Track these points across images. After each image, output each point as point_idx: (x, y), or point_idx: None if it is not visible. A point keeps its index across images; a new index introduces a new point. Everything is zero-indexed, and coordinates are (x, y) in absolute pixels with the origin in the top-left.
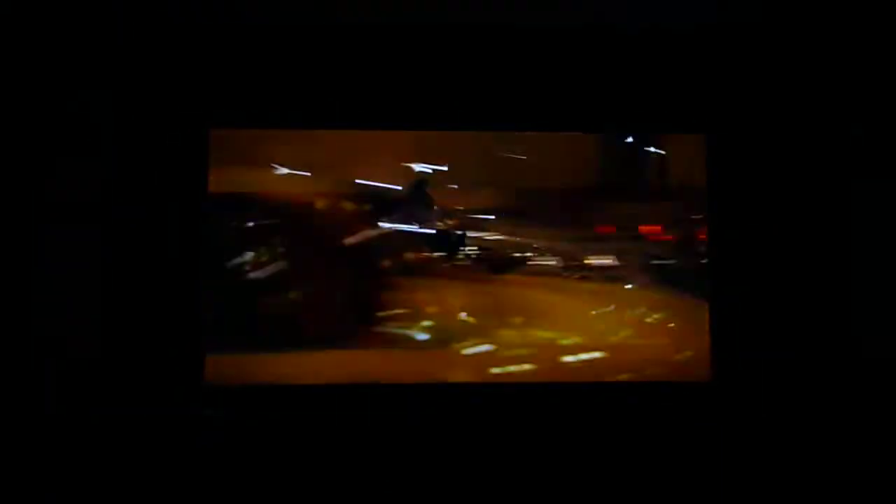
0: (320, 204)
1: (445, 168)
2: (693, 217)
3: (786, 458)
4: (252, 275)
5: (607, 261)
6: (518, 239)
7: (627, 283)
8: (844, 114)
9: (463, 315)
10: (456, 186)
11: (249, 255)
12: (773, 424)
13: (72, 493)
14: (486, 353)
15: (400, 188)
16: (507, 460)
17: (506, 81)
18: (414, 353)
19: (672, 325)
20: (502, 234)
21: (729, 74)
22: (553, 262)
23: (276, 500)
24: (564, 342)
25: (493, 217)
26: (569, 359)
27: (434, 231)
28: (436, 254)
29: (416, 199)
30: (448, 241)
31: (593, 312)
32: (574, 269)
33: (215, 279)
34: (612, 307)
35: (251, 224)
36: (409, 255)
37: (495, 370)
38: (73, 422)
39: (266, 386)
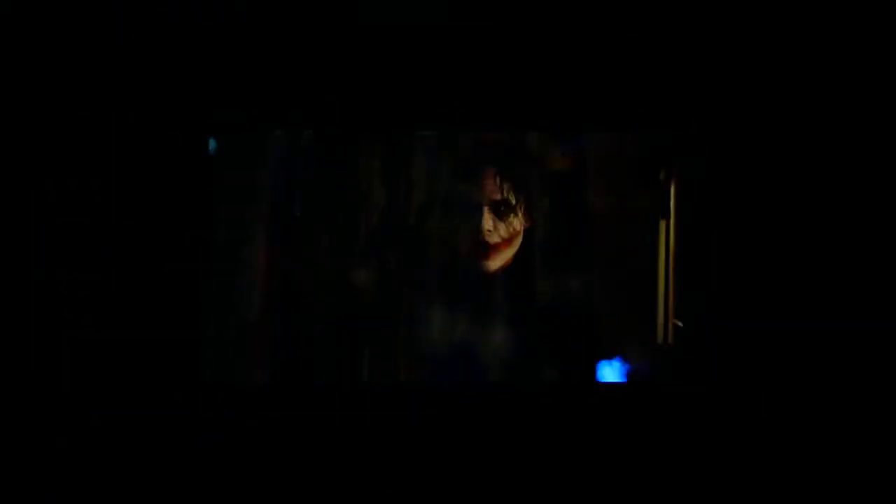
0: None
1: None
2: None
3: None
4: None
5: None
6: None
7: None
8: None
9: None
10: None
11: None
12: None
13: (72, 493)
14: None
15: None
16: (502, 461)
17: None
18: None
19: None
20: None
21: None
22: None
23: (275, 500)
24: None
25: None
26: None
27: None
28: None
29: None
30: None
31: None
32: None
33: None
34: None
35: None
36: None
37: None
38: (73, 421)
39: (266, 386)
